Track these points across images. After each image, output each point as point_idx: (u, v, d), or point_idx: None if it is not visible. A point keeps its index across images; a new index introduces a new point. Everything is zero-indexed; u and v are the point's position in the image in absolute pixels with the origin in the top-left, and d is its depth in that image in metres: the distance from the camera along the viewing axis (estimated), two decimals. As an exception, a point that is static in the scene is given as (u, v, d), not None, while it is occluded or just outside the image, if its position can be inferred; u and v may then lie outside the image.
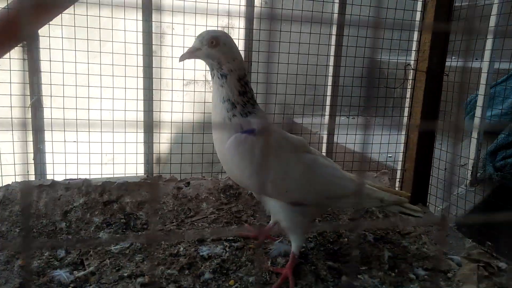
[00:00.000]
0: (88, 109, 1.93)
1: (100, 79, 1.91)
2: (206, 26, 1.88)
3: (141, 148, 2.04)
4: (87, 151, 1.95)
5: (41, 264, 1.41)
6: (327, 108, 2.25)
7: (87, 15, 1.83)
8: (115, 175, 1.97)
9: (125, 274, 1.37)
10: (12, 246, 1.44)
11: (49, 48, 1.85)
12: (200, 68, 1.91)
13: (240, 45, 2.01)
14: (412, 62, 2.16)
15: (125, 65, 1.94)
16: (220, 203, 1.87)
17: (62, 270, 1.37)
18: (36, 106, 1.86)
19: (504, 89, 2.47)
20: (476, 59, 2.38)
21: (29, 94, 1.88)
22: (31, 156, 1.91)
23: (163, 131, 2.02)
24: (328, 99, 2.23)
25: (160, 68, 2.00)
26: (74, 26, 1.85)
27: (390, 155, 2.33)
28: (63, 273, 1.35)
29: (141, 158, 2.05)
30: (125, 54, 1.93)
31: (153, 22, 1.94)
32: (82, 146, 1.94)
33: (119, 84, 1.95)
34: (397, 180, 2.25)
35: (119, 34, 1.94)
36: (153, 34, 1.93)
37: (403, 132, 2.21)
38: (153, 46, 1.98)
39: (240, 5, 2.04)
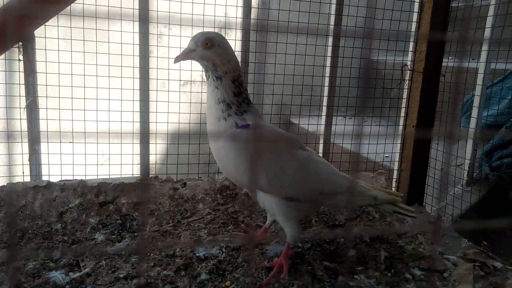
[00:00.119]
0: (84, 110, 1.92)
1: (96, 80, 1.90)
2: (203, 27, 1.88)
3: (137, 148, 2.04)
4: (82, 152, 1.94)
5: (37, 266, 1.40)
6: (324, 109, 2.25)
7: (83, 16, 1.83)
8: (111, 176, 1.96)
9: (121, 276, 1.37)
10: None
11: (45, 49, 1.84)
12: (197, 68, 1.90)
13: (237, 46, 2.01)
14: (408, 63, 2.16)
15: (121, 66, 1.94)
16: (217, 204, 1.86)
17: (57, 272, 1.36)
18: (32, 107, 1.86)
19: (500, 90, 2.47)
20: (473, 59, 2.39)
21: (24, 95, 1.87)
22: (26, 157, 1.90)
23: (160, 132, 2.02)
24: (325, 99, 2.24)
25: (157, 68, 1.99)
26: (70, 27, 1.84)
27: (387, 155, 2.33)
28: (58, 275, 1.35)
29: (137, 159, 2.04)
30: (121, 54, 1.93)
31: (149, 23, 1.93)
32: (77, 147, 1.94)
33: (115, 85, 1.95)
34: (394, 180, 2.25)
35: (115, 34, 1.94)
36: (149, 35, 1.93)
37: (400, 132, 2.21)
38: (149, 46, 1.97)
39: (237, 6, 2.04)
